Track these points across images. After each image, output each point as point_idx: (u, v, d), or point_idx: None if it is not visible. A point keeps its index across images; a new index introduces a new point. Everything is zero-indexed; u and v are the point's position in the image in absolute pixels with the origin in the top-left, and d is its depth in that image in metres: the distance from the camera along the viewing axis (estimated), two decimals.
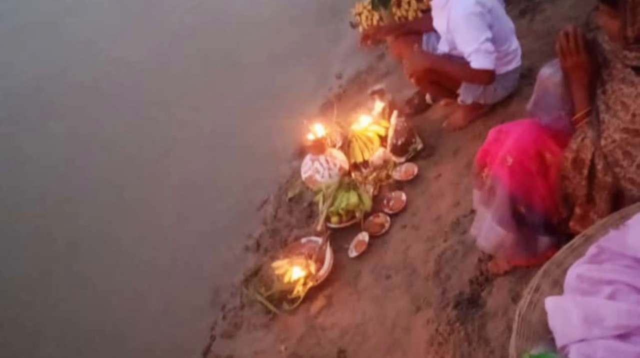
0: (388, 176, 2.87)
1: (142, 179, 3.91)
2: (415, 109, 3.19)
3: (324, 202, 2.82)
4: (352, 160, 3.07)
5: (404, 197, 2.73)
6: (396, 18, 3.58)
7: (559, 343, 1.36)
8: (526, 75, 2.78)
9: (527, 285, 1.54)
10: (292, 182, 3.26)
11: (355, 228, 2.71)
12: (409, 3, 3.55)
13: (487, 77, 2.53)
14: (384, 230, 2.62)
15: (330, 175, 2.96)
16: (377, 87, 3.36)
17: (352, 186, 2.82)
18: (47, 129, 4.96)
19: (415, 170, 2.81)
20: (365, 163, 3.03)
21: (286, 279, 2.59)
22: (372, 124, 3.16)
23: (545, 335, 1.41)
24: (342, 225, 2.75)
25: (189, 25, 5.72)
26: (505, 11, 2.69)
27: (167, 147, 4.13)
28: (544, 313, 1.43)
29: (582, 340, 1.30)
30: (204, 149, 3.97)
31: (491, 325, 1.92)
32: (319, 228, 2.76)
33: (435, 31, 2.84)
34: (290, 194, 3.16)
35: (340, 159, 3.04)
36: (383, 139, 3.07)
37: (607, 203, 1.65)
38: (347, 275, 2.56)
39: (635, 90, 1.52)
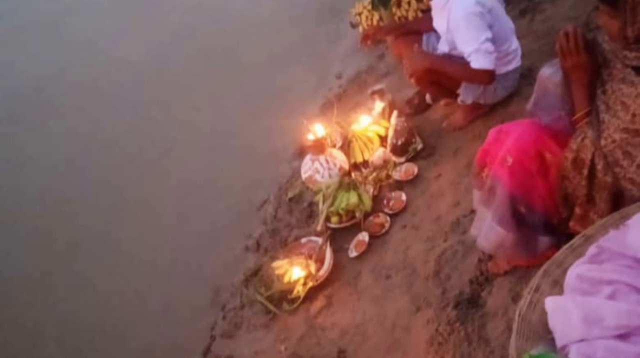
0: (388, 176, 2.87)
1: (142, 179, 3.91)
2: (415, 109, 3.19)
3: (324, 202, 2.82)
4: (352, 160, 3.07)
5: (404, 197, 2.73)
6: (396, 18, 3.58)
7: (559, 343, 1.36)
8: (526, 75, 2.78)
9: (527, 285, 1.54)
10: (292, 182, 3.26)
11: (355, 228, 2.71)
12: (409, 3, 3.54)
13: (487, 77, 2.53)
14: (384, 230, 2.62)
15: (330, 175, 2.96)
16: (377, 87, 3.36)
17: (352, 186, 2.82)
18: (47, 129, 4.95)
19: (415, 170, 2.81)
20: (365, 163, 3.03)
21: (286, 279, 2.59)
22: (372, 124, 3.16)
23: (545, 335, 1.41)
24: (342, 225, 2.75)
25: (189, 25, 5.72)
26: (505, 11, 2.69)
27: (167, 147, 4.13)
28: (544, 313, 1.43)
29: (582, 340, 1.30)
30: (204, 149, 3.97)
31: (491, 325, 1.92)
32: (319, 228, 2.76)
33: (435, 31, 2.84)
34: (290, 194, 3.16)
35: (340, 159, 3.04)
36: (383, 139, 3.07)
37: (607, 203, 1.65)
38: (347, 275, 2.56)
39: (635, 90, 1.52)
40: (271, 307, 2.57)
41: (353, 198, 2.75)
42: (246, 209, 3.31)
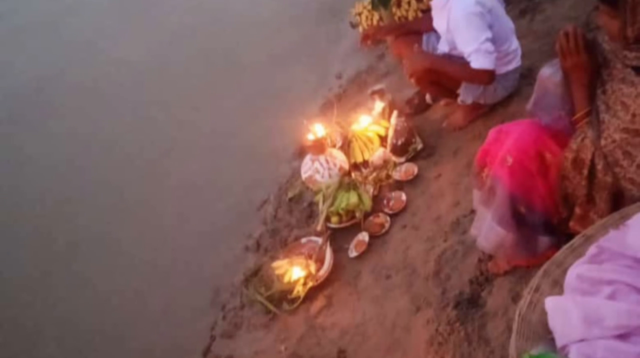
0: (388, 176, 2.87)
1: (142, 179, 3.91)
2: (415, 109, 3.19)
3: (324, 202, 2.82)
4: (352, 160, 3.07)
5: (404, 197, 2.73)
6: (396, 18, 3.58)
7: (559, 343, 1.36)
8: (526, 75, 2.78)
9: (527, 285, 1.54)
10: (292, 182, 3.26)
11: (355, 228, 2.71)
12: (409, 3, 3.54)
13: (487, 77, 2.53)
14: (384, 230, 2.62)
15: (330, 175, 2.96)
16: (377, 87, 3.36)
17: (352, 186, 2.82)
18: (47, 129, 4.95)
19: (415, 170, 2.81)
20: (365, 163, 3.03)
21: (286, 279, 2.59)
22: (372, 124, 3.16)
23: (545, 335, 1.41)
24: (342, 225, 2.75)
25: (189, 25, 5.72)
26: (505, 11, 2.69)
27: (167, 147, 4.13)
28: (544, 313, 1.43)
29: (582, 340, 1.30)
30: (204, 149, 3.97)
31: (491, 325, 1.92)
32: (319, 228, 2.76)
33: (435, 31, 2.84)
34: (290, 194, 3.16)
35: (340, 159, 3.04)
36: (383, 139, 3.07)
37: (607, 203, 1.65)
38: (347, 275, 2.56)
39: (635, 90, 1.52)
40: (271, 307, 2.57)
41: (353, 198, 2.75)
42: (246, 209, 3.31)
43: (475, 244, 2.05)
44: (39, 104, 5.40)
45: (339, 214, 2.75)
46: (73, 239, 3.63)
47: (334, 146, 3.17)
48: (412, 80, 2.79)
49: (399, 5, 3.58)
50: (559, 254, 1.56)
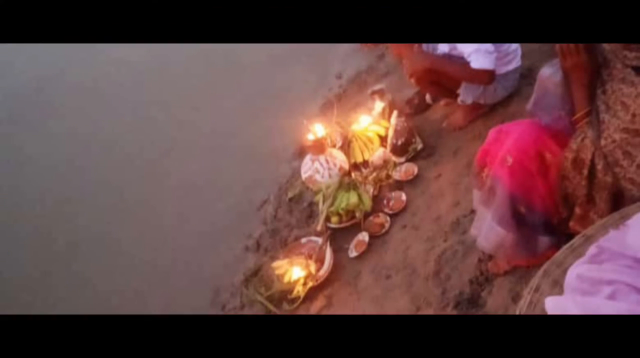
0: (388, 176, 2.87)
1: (142, 179, 3.91)
2: (415, 109, 3.19)
3: (324, 202, 2.82)
4: (352, 160, 3.07)
5: (404, 197, 2.73)
6: None
7: None
8: (526, 75, 2.78)
9: (527, 285, 1.53)
10: (292, 182, 3.26)
11: (355, 228, 2.71)
12: None
13: (487, 77, 2.53)
14: (384, 230, 2.62)
15: (330, 175, 2.96)
16: (377, 87, 3.36)
17: (352, 186, 2.82)
18: (47, 129, 4.95)
19: (415, 170, 2.81)
20: (365, 163, 3.03)
21: (286, 279, 2.59)
22: (372, 124, 3.16)
23: None
24: (342, 225, 2.75)
25: None
26: None
27: (167, 147, 4.13)
28: (543, 313, 1.43)
29: None
30: (204, 149, 3.97)
31: None
32: (319, 228, 2.76)
33: None
34: (290, 194, 3.16)
35: (340, 159, 3.04)
36: (383, 139, 3.08)
37: (607, 203, 1.65)
38: (347, 275, 2.56)
39: (635, 90, 1.52)
40: (271, 307, 2.57)
41: (353, 198, 2.75)
42: (246, 209, 3.30)
43: (475, 244, 2.05)
44: (39, 104, 5.40)
45: (339, 214, 2.75)
46: (73, 239, 3.63)
47: (334, 146, 3.17)
48: (412, 80, 2.79)
49: None
50: (559, 254, 1.56)
